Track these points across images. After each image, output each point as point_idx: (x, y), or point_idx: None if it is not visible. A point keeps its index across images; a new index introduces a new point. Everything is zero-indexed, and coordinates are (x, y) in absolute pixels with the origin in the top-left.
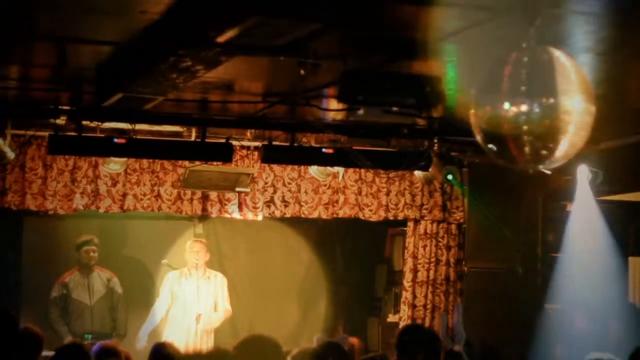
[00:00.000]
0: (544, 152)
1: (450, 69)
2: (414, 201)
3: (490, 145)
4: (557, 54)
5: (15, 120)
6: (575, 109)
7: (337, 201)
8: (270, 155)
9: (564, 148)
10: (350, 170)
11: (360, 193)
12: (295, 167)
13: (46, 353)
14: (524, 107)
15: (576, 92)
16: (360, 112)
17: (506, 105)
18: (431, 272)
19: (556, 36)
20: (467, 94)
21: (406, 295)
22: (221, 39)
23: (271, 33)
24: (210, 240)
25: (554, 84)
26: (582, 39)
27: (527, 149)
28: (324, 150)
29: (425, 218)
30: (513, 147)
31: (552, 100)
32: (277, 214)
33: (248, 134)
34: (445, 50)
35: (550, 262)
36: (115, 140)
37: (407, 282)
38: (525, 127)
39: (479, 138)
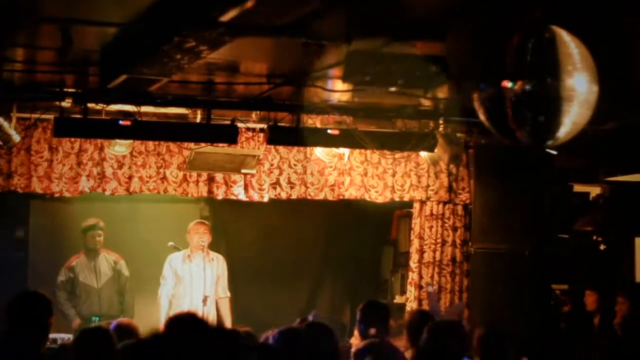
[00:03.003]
0: (546, 130)
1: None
2: (419, 182)
3: (493, 124)
4: (561, 32)
5: (21, 103)
6: (579, 88)
7: (342, 183)
8: (275, 137)
9: (567, 127)
10: (356, 151)
11: (366, 174)
12: (301, 148)
13: (54, 336)
14: (527, 86)
15: (579, 71)
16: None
17: (509, 84)
18: (437, 253)
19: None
20: (471, 73)
21: (413, 276)
22: (224, 18)
23: (273, 11)
24: (216, 222)
25: (557, 62)
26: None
27: (529, 128)
28: (329, 131)
29: (431, 199)
30: (515, 126)
31: (555, 79)
32: (283, 195)
33: (253, 115)
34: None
35: (556, 242)
36: (121, 122)
37: (413, 263)
38: (528, 106)
39: (482, 117)
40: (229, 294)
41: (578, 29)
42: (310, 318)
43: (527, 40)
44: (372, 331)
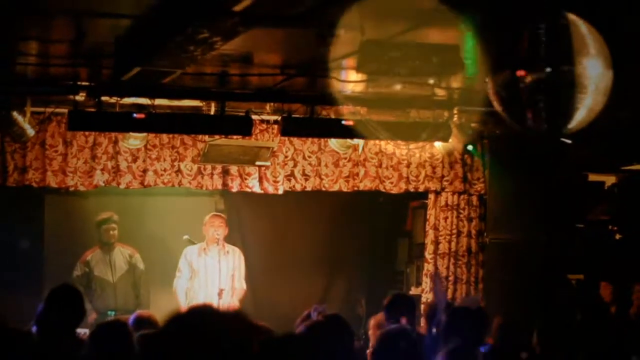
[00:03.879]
0: (561, 118)
1: (469, 38)
2: (434, 173)
3: (507, 112)
4: (575, 19)
5: (35, 97)
6: (593, 74)
7: (357, 174)
8: (289, 128)
9: (581, 114)
10: (370, 142)
11: (380, 165)
12: (315, 140)
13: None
14: (541, 73)
15: (594, 58)
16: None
17: (523, 71)
18: (452, 244)
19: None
20: (486, 61)
21: (428, 267)
22: (238, 7)
23: (286, 1)
24: (232, 215)
25: (571, 49)
26: None
27: (544, 115)
28: (343, 122)
29: (446, 190)
30: (530, 113)
31: (569, 66)
32: (298, 187)
33: (267, 107)
34: (464, 18)
35: (571, 232)
36: (135, 115)
37: (428, 254)
38: (542, 93)
39: (496, 104)
40: (244, 286)
41: (592, 16)
42: (313, 313)
43: (541, 27)
44: (403, 321)
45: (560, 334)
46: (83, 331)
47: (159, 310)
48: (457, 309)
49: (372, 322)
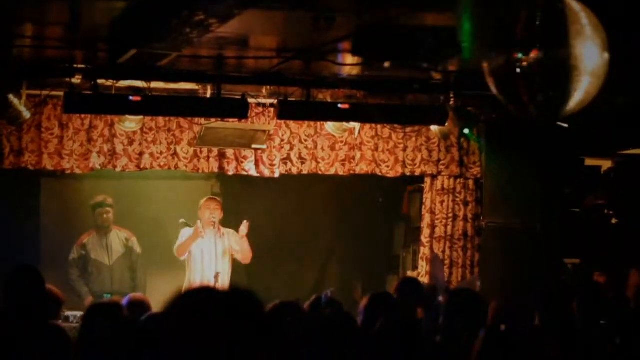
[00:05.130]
0: (558, 100)
1: (466, 21)
2: (430, 157)
3: (504, 95)
4: (571, 2)
5: (31, 80)
6: (589, 57)
7: (353, 158)
8: (286, 111)
9: (578, 96)
10: (367, 126)
11: (377, 149)
12: (312, 123)
13: (67, 313)
14: (537, 55)
15: (590, 41)
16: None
17: (520, 54)
18: (449, 228)
19: None
20: (482, 43)
21: (424, 250)
22: None
23: None
24: (228, 198)
25: (567, 31)
26: None
27: (540, 97)
28: (339, 105)
29: (443, 173)
30: (526, 96)
31: (565, 49)
32: (294, 171)
33: (264, 90)
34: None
35: (568, 216)
36: (131, 98)
37: (425, 238)
38: (538, 75)
39: (492, 87)
40: (249, 250)
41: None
42: (323, 296)
43: (537, 9)
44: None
45: (561, 317)
46: (80, 314)
47: (156, 293)
48: (458, 291)
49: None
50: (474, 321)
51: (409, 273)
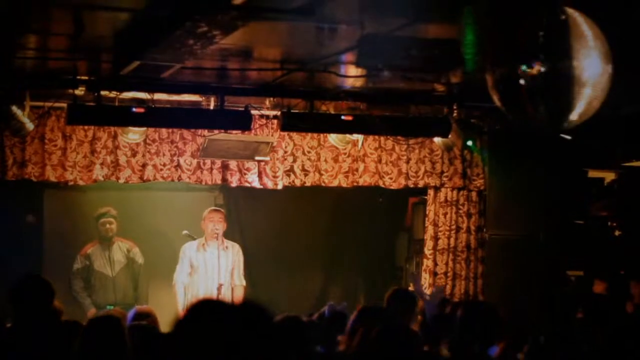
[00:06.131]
0: (561, 112)
1: (469, 32)
2: (434, 169)
3: (507, 107)
4: (574, 14)
5: (34, 91)
6: (592, 69)
7: (357, 169)
8: (289, 123)
9: (580, 109)
10: (370, 138)
11: (380, 161)
12: (315, 135)
13: None
14: (540, 68)
15: (593, 52)
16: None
17: (523, 66)
18: (452, 240)
19: None
20: (485, 55)
21: (427, 262)
22: (237, 1)
23: None
24: (231, 210)
25: (570, 44)
26: None
27: (543, 110)
28: (343, 117)
29: (446, 185)
30: (529, 108)
31: (568, 61)
32: (297, 182)
33: (267, 102)
34: (463, 12)
35: (571, 228)
36: (134, 109)
37: (428, 250)
38: (541, 87)
39: (495, 99)
40: (244, 283)
41: (592, 11)
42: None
43: (541, 21)
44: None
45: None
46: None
47: (158, 304)
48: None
49: None
50: (489, 334)
51: (412, 285)
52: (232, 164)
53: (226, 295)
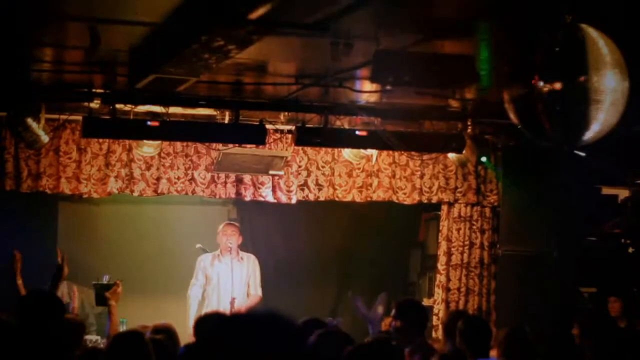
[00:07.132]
0: (577, 129)
1: (484, 48)
2: (447, 184)
3: (523, 124)
4: (591, 31)
5: (50, 104)
6: (609, 86)
7: (370, 184)
8: (303, 138)
9: (597, 126)
10: (384, 153)
11: (394, 176)
12: (329, 150)
13: (90, 337)
14: (557, 85)
15: (609, 69)
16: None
17: (539, 83)
18: (465, 256)
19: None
20: (501, 72)
21: (440, 278)
22: (253, 15)
23: (301, 9)
24: (244, 224)
25: (587, 61)
26: None
27: (559, 127)
28: (357, 132)
29: (459, 201)
30: (546, 125)
31: (585, 78)
32: (311, 197)
33: (281, 116)
34: (478, 28)
35: (585, 245)
36: (149, 122)
37: (441, 266)
38: (558, 105)
39: (512, 115)
40: (260, 293)
41: (608, 28)
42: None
43: (557, 38)
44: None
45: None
46: (94, 338)
47: (172, 318)
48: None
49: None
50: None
51: (425, 300)
52: (246, 178)
53: (240, 309)
